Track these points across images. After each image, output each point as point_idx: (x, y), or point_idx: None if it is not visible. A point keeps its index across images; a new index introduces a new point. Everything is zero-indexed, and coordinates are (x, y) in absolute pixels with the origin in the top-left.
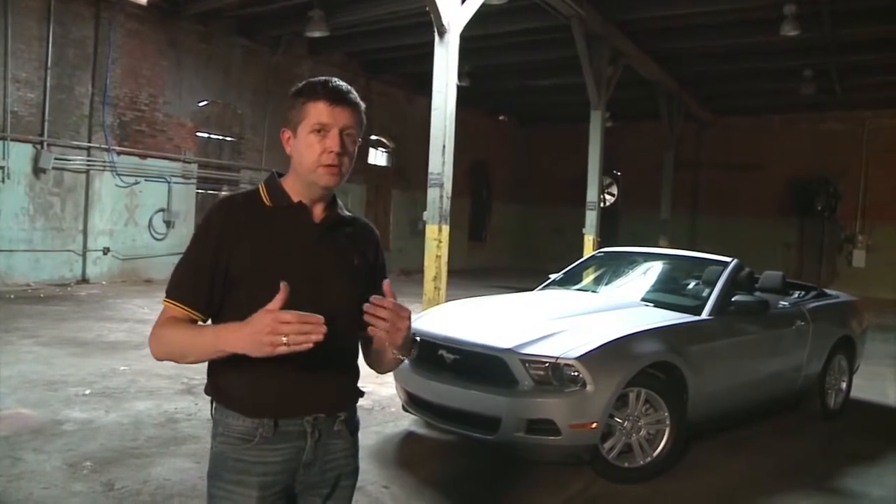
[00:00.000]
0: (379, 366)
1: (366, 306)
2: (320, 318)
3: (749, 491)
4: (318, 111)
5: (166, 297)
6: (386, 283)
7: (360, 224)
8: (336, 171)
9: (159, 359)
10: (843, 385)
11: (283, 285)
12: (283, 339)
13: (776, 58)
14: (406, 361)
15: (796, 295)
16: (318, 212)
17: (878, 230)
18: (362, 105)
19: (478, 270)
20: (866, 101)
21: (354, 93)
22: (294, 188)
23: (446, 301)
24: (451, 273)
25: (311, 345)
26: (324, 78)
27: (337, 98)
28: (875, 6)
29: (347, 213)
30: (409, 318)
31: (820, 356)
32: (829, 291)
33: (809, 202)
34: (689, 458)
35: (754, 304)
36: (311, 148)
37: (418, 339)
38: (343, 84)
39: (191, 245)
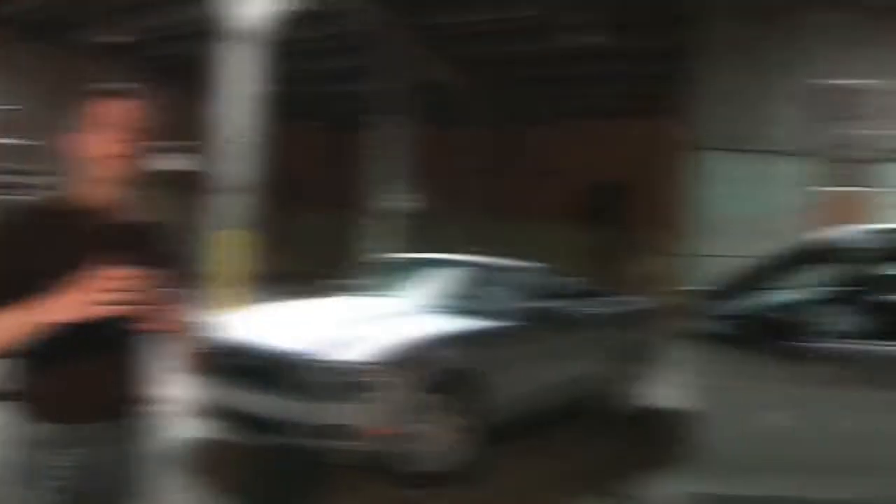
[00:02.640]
0: (180, 358)
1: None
2: (142, 273)
3: (545, 492)
4: (106, 107)
5: None
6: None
7: (148, 224)
8: (128, 162)
9: None
10: (640, 389)
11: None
12: (108, 296)
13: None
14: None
15: (597, 301)
16: (108, 213)
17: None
18: (148, 103)
19: (277, 276)
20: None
21: (139, 91)
22: (85, 191)
23: (245, 307)
24: (250, 279)
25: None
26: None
27: (122, 94)
28: None
29: (137, 215)
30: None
31: (619, 360)
32: (628, 297)
33: (604, 209)
34: (488, 463)
35: (555, 311)
36: (101, 142)
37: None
38: (128, 85)
39: None
